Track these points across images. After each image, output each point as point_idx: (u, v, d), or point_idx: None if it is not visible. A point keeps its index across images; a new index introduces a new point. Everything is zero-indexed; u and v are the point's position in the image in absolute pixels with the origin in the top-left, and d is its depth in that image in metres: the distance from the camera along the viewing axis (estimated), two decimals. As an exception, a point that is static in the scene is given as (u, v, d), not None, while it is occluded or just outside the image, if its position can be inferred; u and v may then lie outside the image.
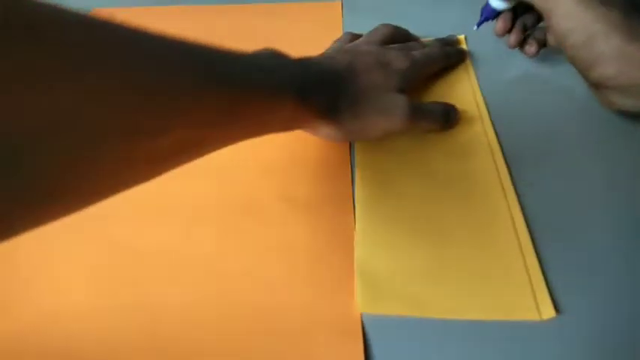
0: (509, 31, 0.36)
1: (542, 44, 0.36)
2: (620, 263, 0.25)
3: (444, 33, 0.40)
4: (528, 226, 0.27)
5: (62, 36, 0.14)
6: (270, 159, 0.32)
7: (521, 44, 0.36)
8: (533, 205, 0.28)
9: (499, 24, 0.36)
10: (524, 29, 0.36)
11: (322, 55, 0.32)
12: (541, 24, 0.36)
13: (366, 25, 0.36)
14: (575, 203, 0.28)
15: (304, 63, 0.27)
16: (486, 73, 0.37)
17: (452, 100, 0.34)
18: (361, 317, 0.24)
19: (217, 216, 0.29)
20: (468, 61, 0.38)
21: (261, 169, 0.31)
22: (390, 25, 0.36)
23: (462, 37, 0.41)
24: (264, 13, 0.44)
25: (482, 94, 0.35)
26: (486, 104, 0.34)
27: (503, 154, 0.31)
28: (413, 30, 0.37)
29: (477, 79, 0.37)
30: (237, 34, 0.41)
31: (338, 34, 0.39)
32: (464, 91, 0.36)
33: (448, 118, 0.32)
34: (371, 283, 0.25)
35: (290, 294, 0.25)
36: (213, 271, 0.26)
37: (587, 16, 0.28)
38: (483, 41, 0.40)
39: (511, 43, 0.36)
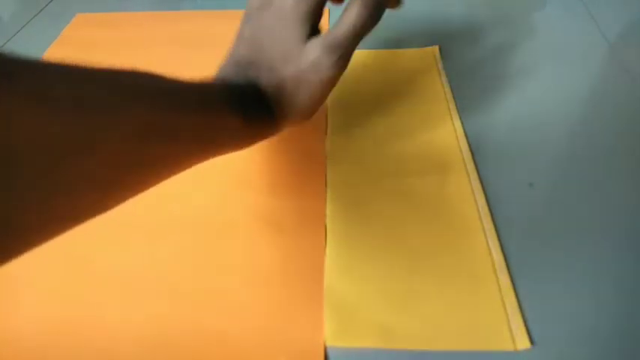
0: None
1: None
2: (597, 291, 0.24)
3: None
4: (503, 250, 0.26)
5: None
6: (243, 172, 0.31)
7: None
8: (506, 229, 0.27)
9: None
10: None
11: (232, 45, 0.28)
12: None
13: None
14: (552, 228, 0.27)
15: (217, 77, 0.26)
16: (460, 84, 0.36)
17: (424, 115, 0.33)
18: (325, 350, 0.22)
19: (180, 231, 0.28)
20: (441, 71, 0.37)
21: (232, 181, 0.30)
22: None
23: (435, 47, 0.40)
24: None
25: (456, 105, 0.34)
26: (460, 116, 0.33)
27: (477, 170, 0.30)
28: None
29: (452, 89, 0.35)
30: (229, 38, 0.42)
31: (323, 31, 0.39)
32: (437, 101, 0.35)
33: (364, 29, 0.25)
34: (340, 313, 0.23)
35: (252, 319, 0.24)
36: (173, 291, 0.25)
37: None
38: (457, 52, 0.39)
39: None
